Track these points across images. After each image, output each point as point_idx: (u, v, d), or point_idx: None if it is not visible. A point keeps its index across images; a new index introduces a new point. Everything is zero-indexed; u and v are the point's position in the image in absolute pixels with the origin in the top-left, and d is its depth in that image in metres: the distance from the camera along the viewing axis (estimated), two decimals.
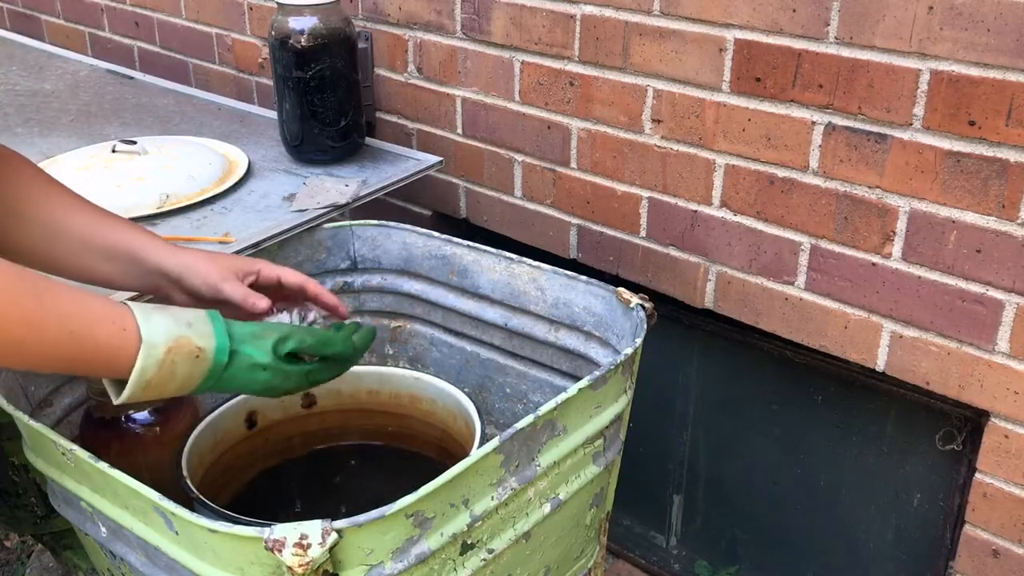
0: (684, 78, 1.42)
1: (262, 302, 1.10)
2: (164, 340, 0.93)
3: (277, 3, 1.61)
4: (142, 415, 1.23)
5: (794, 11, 1.28)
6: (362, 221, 1.52)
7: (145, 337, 0.92)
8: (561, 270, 1.38)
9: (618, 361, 1.15)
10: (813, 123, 1.31)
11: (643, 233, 1.56)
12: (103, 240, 1.10)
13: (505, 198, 1.73)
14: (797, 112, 1.32)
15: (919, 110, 1.22)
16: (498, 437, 1.01)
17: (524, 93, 1.62)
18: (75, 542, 1.32)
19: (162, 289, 1.12)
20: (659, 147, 1.48)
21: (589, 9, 1.48)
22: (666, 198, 1.51)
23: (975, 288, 1.25)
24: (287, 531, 0.88)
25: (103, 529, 1.09)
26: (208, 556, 0.94)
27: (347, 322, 1.16)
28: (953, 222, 1.24)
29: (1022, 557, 1.33)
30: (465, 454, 1.03)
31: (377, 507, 0.92)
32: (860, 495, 1.56)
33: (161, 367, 0.93)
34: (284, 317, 1.14)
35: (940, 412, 1.42)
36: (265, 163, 1.67)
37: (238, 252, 1.37)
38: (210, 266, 1.10)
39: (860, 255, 1.33)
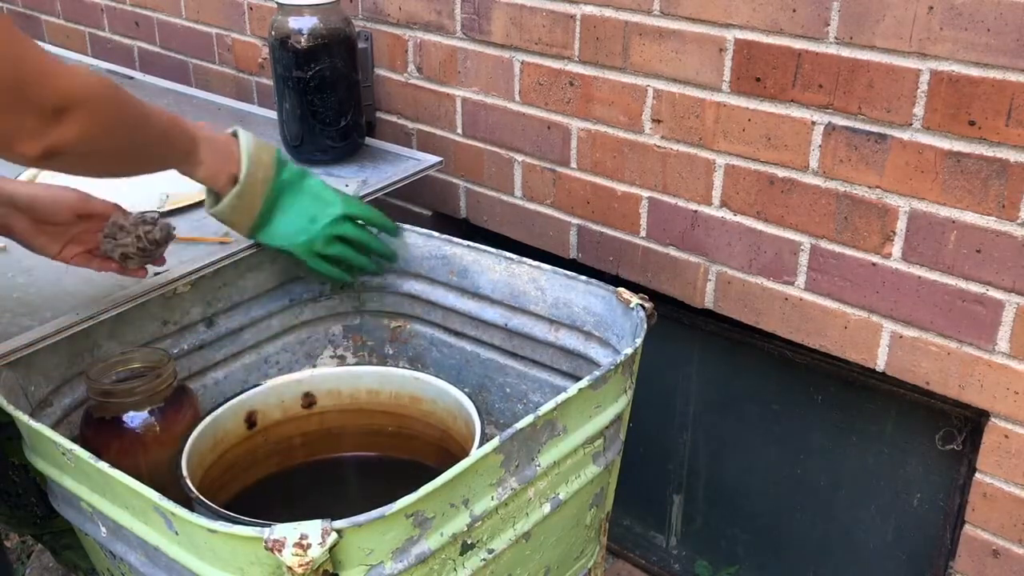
0: (684, 78, 1.42)
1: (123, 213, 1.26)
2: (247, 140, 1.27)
3: (277, 3, 1.61)
4: (142, 415, 1.23)
5: (794, 11, 1.28)
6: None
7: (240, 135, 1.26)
8: (561, 270, 1.38)
9: (618, 361, 1.15)
10: (813, 123, 1.31)
11: (643, 233, 1.56)
12: None
13: (505, 198, 1.73)
14: (797, 112, 1.32)
15: (919, 110, 1.22)
16: (498, 437, 1.01)
17: (524, 93, 1.62)
18: (75, 542, 1.32)
19: (2, 218, 1.21)
20: (659, 147, 1.48)
21: (589, 9, 1.48)
22: (666, 198, 1.51)
23: (975, 288, 1.25)
24: (287, 531, 0.88)
25: (103, 529, 1.09)
26: (208, 556, 0.94)
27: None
28: (953, 222, 1.24)
29: (1022, 557, 1.33)
30: (465, 454, 1.03)
31: (377, 507, 0.92)
32: (860, 495, 1.56)
33: (251, 159, 1.27)
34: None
35: (940, 412, 1.42)
36: None
37: (239, 252, 1.37)
38: (63, 190, 1.24)
39: (860, 255, 1.33)
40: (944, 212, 1.24)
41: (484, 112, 1.69)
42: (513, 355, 1.48)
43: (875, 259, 1.32)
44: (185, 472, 1.14)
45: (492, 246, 1.45)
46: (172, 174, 1.54)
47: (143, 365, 1.26)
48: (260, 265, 1.46)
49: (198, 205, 1.49)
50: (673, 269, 1.54)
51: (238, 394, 1.31)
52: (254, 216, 1.31)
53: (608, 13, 1.46)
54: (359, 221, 1.40)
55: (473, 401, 1.26)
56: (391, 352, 1.59)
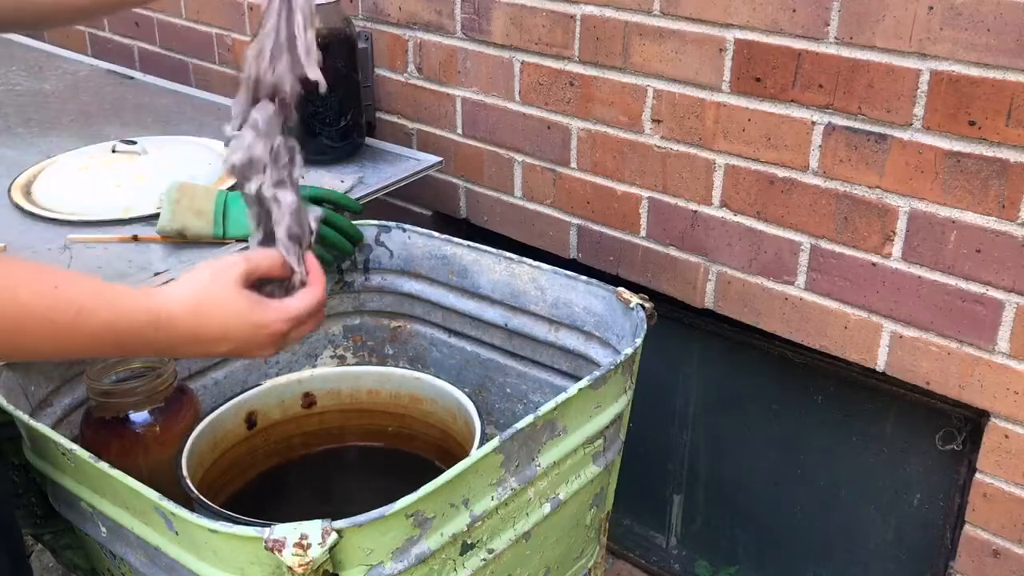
0: (684, 78, 1.42)
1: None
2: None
3: None
4: (142, 415, 1.23)
5: (794, 11, 1.28)
6: (362, 221, 1.52)
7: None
8: (561, 270, 1.38)
9: (618, 361, 1.15)
10: (813, 123, 1.31)
11: (643, 233, 1.56)
12: None
13: (505, 198, 1.73)
14: (797, 112, 1.32)
15: (919, 110, 1.22)
16: (498, 437, 1.01)
17: (524, 93, 1.62)
18: (75, 542, 1.32)
19: None
20: (659, 147, 1.48)
21: (589, 9, 1.48)
22: (666, 198, 1.51)
23: (975, 288, 1.25)
24: (287, 531, 0.88)
25: (103, 529, 1.09)
26: (208, 556, 0.94)
27: None
28: (953, 222, 1.24)
29: (1022, 557, 1.33)
30: (465, 454, 1.03)
31: (377, 507, 0.92)
32: (860, 495, 1.56)
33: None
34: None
35: (940, 412, 1.42)
36: None
37: (237, 252, 1.37)
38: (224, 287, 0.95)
39: (860, 255, 1.33)
40: (944, 212, 1.24)
41: (484, 112, 1.69)
42: (513, 355, 1.48)
43: (875, 259, 1.32)
44: (185, 472, 1.14)
45: (492, 246, 1.45)
46: (171, 175, 1.54)
47: (143, 365, 1.26)
48: None
49: None
50: (673, 269, 1.54)
51: (238, 394, 1.31)
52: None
53: (608, 13, 1.46)
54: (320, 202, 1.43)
55: (473, 401, 1.26)
56: (391, 352, 1.59)
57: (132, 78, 2.13)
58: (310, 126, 1.64)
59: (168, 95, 2.03)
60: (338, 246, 1.46)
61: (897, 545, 1.55)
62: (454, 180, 1.80)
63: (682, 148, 1.46)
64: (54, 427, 1.22)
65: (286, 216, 0.96)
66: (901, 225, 1.28)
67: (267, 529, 0.88)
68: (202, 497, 1.08)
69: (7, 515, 1.09)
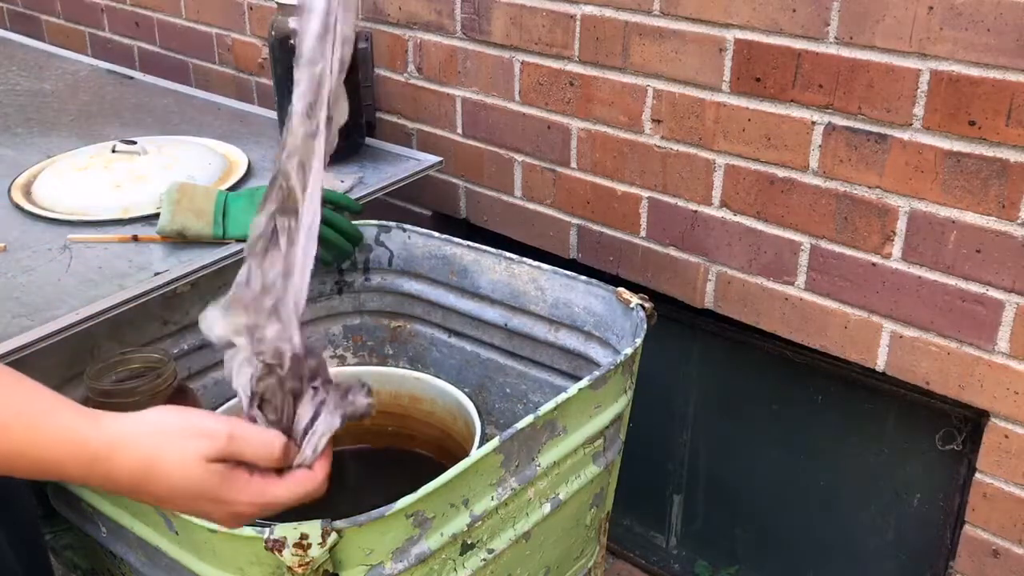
0: (684, 78, 1.41)
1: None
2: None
3: (277, 3, 1.61)
4: None
5: (794, 11, 1.28)
6: (362, 221, 1.52)
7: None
8: (561, 270, 1.39)
9: (618, 361, 1.15)
10: (813, 123, 1.31)
11: (643, 233, 1.56)
12: None
13: (505, 198, 1.73)
14: (797, 112, 1.32)
15: (919, 110, 1.22)
16: (498, 437, 1.01)
17: (524, 93, 1.62)
18: (75, 542, 1.32)
19: None
20: (659, 147, 1.48)
21: (589, 9, 1.48)
22: (666, 198, 1.51)
23: (975, 288, 1.25)
24: (287, 531, 0.88)
25: (103, 529, 1.09)
26: (208, 556, 0.94)
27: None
28: (953, 222, 1.24)
29: (1022, 557, 1.33)
30: (465, 454, 1.03)
31: (377, 507, 0.92)
32: (860, 495, 1.56)
33: None
34: None
35: (940, 412, 1.42)
36: (265, 163, 1.67)
37: (239, 252, 1.37)
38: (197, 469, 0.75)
39: (860, 255, 1.33)
40: (944, 212, 1.24)
41: (484, 112, 1.69)
42: (513, 355, 1.48)
43: (875, 259, 1.32)
44: None
45: (492, 246, 1.45)
46: (171, 175, 1.54)
47: (143, 365, 1.26)
48: None
49: None
50: (673, 269, 1.54)
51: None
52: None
53: (608, 13, 1.46)
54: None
55: (473, 401, 1.26)
56: (391, 352, 1.59)
57: (132, 78, 2.13)
58: None
59: (168, 95, 2.03)
60: (338, 246, 1.46)
61: (897, 545, 1.55)
62: (454, 180, 1.80)
63: (682, 148, 1.46)
64: None
65: (335, 403, 0.76)
66: (901, 225, 1.28)
67: (267, 529, 0.88)
68: None
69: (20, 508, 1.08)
